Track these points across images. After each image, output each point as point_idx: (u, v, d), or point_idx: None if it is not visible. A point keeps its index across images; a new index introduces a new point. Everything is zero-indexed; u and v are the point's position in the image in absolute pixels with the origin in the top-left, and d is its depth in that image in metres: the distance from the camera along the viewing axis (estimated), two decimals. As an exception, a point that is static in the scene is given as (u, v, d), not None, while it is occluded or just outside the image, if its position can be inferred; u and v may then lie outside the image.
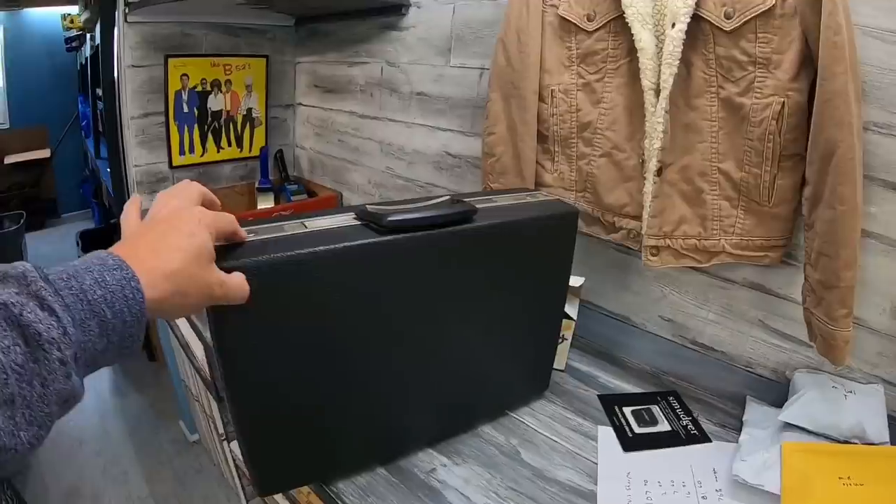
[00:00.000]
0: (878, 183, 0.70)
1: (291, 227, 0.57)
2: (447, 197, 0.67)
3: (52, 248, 3.58)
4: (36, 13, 3.73)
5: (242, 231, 0.52)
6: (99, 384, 2.32)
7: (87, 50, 2.78)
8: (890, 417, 0.72)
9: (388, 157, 1.38)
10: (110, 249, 0.37)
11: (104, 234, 2.78)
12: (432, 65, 1.20)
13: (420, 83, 1.24)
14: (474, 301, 0.68)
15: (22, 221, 3.28)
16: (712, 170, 0.78)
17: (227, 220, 0.49)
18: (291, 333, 0.55)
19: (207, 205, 0.50)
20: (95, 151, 2.68)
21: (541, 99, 0.91)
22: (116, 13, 1.33)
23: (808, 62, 0.68)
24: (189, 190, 0.50)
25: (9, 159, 3.81)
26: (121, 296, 0.33)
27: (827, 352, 0.71)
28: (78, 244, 2.78)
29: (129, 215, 0.47)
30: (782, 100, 0.70)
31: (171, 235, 0.40)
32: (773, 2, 0.67)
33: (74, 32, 3.17)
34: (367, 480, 0.69)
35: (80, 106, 3.47)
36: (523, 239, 0.69)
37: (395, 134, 1.35)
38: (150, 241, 0.39)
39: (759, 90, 0.72)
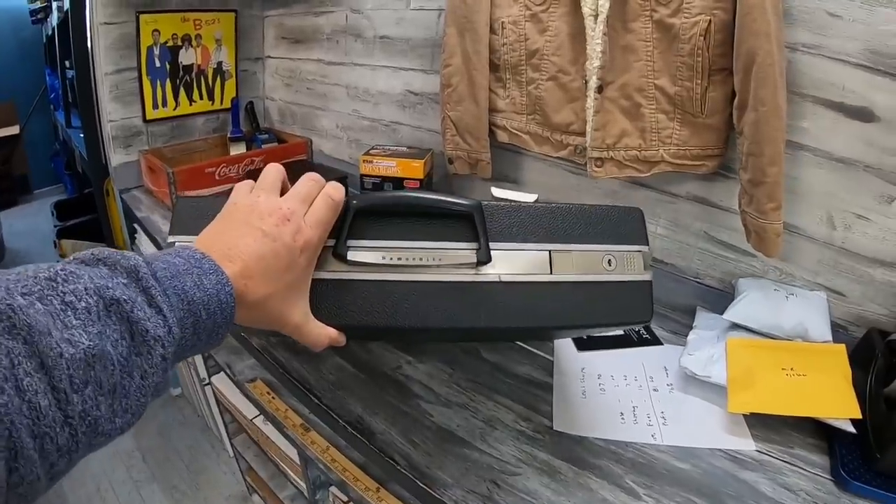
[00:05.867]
0: (809, 99, 0.75)
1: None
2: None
3: (26, 223, 3.54)
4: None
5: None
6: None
7: (53, 20, 2.73)
8: (832, 324, 0.74)
9: (354, 101, 1.42)
10: (200, 246, 0.38)
11: (79, 204, 2.77)
12: (394, 9, 1.23)
13: (383, 27, 1.27)
14: None
15: (-7, 199, 3.24)
16: (649, 86, 0.83)
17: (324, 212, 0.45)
18: None
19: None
20: (66, 121, 2.65)
21: (492, 31, 0.96)
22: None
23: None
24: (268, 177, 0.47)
25: (-23, 138, 3.73)
26: (216, 300, 0.35)
27: (760, 245, 0.76)
28: (53, 214, 2.77)
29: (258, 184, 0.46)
30: (709, 18, 0.75)
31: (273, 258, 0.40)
32: None
33: (39, 5, 3.11)
34: (337, 377, 0.74)
35: (47, 79, 3.42)
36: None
37: (360, 77, 1.38)
38: (259, 259, 0.40)
39: (687, 10, 0.77)
